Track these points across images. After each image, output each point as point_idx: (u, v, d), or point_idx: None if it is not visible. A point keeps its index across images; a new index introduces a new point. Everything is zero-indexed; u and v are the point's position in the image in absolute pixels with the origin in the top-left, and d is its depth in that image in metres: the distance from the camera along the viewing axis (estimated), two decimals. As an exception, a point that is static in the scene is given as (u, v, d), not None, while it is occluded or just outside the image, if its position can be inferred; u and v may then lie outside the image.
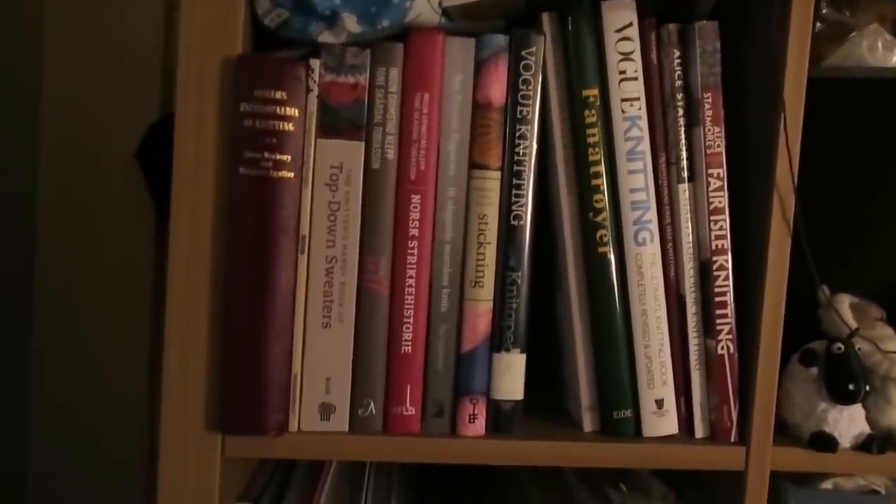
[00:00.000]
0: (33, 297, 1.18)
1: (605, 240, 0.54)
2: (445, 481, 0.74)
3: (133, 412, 1.21)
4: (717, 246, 0.54)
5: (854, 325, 0.57)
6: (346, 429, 0.52)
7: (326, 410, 0.52)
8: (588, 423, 0.56)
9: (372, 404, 0.52)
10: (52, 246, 1.19)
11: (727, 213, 0.54)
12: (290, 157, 0.49)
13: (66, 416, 1.20)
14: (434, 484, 0.73)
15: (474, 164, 0.52)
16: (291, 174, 0.49)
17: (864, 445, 0.55)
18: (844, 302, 0.59)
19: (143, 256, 1.21)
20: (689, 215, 0.54)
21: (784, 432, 0.57)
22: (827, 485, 0.57)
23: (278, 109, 0.48)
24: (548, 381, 0.63)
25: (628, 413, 0.55)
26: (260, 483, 0.60)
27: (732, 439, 0.54)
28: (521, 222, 0.53)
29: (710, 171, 0.54)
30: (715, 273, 0.54)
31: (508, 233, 0.53)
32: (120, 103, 1.18)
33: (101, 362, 1.21)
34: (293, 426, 0.51)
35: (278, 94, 0.48)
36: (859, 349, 0.55)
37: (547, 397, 0.62)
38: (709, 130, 0.54)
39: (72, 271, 1.19)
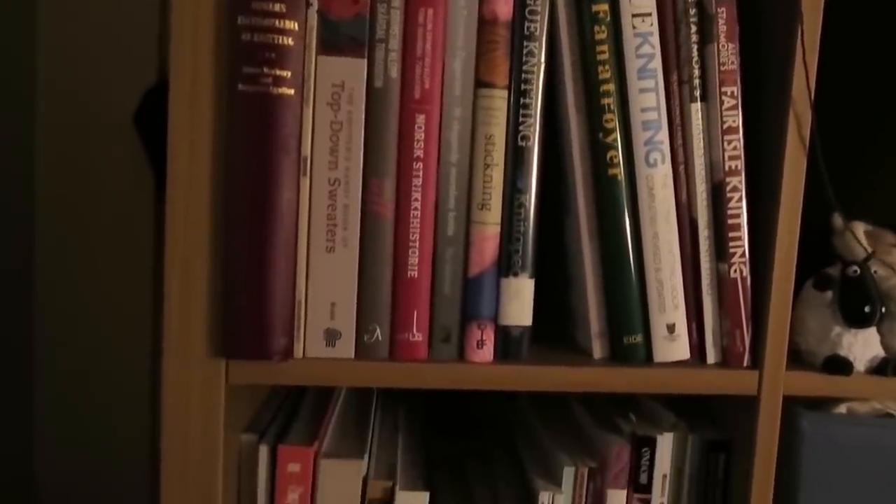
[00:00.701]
0: (32, 275, 1.17)
1: (615, 161, 0.52)
2: (451, 421, 0.74)
3: (136, 382, 1.20)
4: (730, 167, 0.52)
5: (870, 249, 0.56)
6: (353, 355, 0.51)
7: (332, 336, 0.51)
8: (598, 350, 0.55)
9: (378, 330, 0.51)
10: (50, 213, 1.18)
11: (741, 132, 0.52)
12: (289, 74, 0.47)
13: (67, 371, 1.20)
14: (439, 422, 0.73)
15: (481, 83, 0.50)
16: (292, 91, 0.47)
17: (879, 369, 0.54)
18: (859, 228, 0.58)
19: (144, 226, 1.20)
20: (701, 135, 0.53)
21: (797, 361, 0.56)
22: (841, 409, 0.56)
23: (277, 23, 0.47)
24: (555, 312, 0.62)
25: (639, 339, 0.54)
26: (265, 417, 0.59)
27: (745, 364, 0.53)
28: (529, 143, 0.51)
29: (723, 89, 0.52)
30: (728, 195, 0.53)
31: (516, 154, 0.51)
32: (116, 67, 1.16)
33: (102, 338, 1.20)
34: (298, 353, 0.50)
35: (277, 7, 0.46)
36: (875, 272, 0.54)
37: (555, 328, 0.61)
38: (723, 47, 0.52)
39: (70, 242, 1.18)
